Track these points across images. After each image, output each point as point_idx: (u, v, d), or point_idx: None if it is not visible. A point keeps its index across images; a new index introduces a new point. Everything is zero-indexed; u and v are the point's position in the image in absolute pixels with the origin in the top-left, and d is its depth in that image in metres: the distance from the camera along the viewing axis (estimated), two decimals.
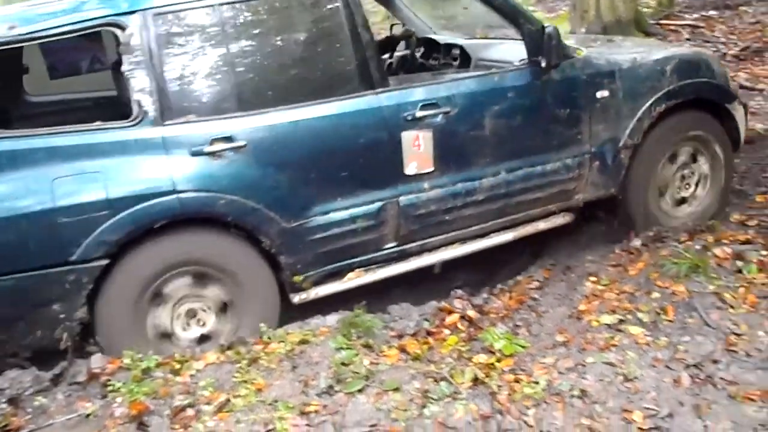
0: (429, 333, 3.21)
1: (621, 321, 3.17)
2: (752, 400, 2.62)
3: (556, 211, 3.86)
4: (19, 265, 2.86)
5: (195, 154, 3.02)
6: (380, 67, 3.43)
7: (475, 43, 4.51)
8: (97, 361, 2.99)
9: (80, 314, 2.99)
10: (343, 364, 2.86)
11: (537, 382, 2.80)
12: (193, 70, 3.08)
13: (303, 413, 2.63)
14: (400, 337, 3.16)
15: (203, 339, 3.22)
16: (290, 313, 3.36)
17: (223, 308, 3.25)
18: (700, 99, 4.00)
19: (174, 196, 2.98)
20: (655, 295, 3.32)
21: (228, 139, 3.05)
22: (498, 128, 3.53)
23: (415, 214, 3.45)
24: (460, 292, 3.53)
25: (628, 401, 2.67)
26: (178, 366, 2.97)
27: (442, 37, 4.75)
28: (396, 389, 2.73)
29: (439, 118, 3.40)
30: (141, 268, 3.04)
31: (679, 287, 3.33)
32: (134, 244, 2.99)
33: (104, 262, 2.95)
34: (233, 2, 3.13)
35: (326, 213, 3.27)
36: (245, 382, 2.82)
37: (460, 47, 4.37)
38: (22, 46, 3.03)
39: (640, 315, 3.19)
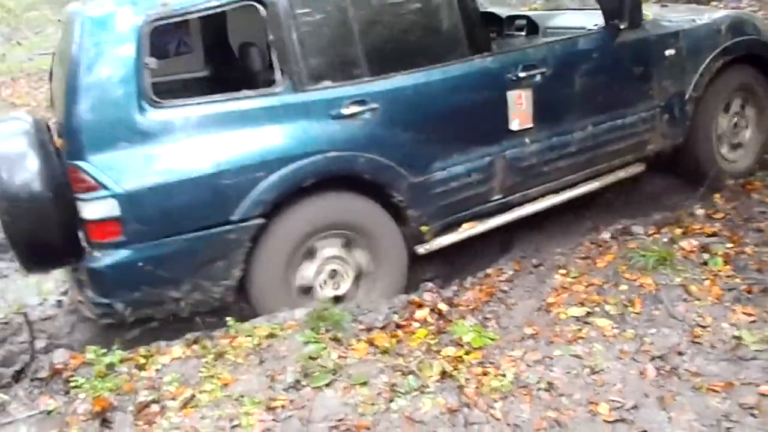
0: (398, 326, 3.19)
1: (589, 313, 3.19)
2: (716, 391, 2.64)
3: (632, 161, 4.22)
4: (187, 227, 3.05)
5: (334, 117, 3.27)
6: (485, 33, 3.79)
7: (539, 14, 4.89)
8: (60, 356, 2.96)
9: (238, 273, 3.18)
10: (310, 358, 2.85)
11: (504, 375, 2.80)
12: (328, 39, 3.33)
13: (269, 408, 2.61)
14: (368, 330, 3.15)
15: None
16: None
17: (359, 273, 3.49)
18: (750, 54, 4.41)
19: (320, 155, 3.22)
20: (623, 287, 3.35)
21: (362, 102, 3.31)
22: (585, 86, 3.91)
23: (518, 166, 3.78)
24: (430, 284, 3.53)
25: (594, 393, 2.69)
26: (143, 361, 2.94)
27: (502, 10, 5.06)
28: (364, 383, 2.72)
29: (537, 78, 3.73)
30: (292, 228, 3.25)
31: (646, 280, 3.36)
32: (285, 205, 3.20)
33: (260, 221, 3.15)
34: None
35: (445, 168, 3.56)
36: (211, 376, 2.80)
37: (527, 17, 4.73)
38: (175, 21, 3.18)
39: (607, 307, 3.21)
